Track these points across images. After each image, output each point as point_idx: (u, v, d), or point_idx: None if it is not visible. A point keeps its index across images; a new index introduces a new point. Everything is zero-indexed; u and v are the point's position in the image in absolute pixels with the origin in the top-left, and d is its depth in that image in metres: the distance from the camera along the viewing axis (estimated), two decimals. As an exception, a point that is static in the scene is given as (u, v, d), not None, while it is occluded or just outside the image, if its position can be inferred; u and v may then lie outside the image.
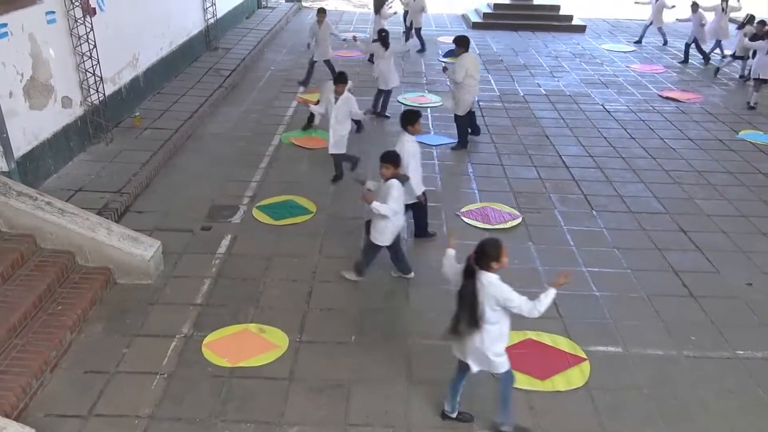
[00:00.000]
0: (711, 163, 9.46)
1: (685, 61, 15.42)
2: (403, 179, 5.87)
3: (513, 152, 9.65)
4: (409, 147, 6.36)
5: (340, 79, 8.08)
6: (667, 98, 12.60)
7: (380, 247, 6.02)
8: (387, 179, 5.77)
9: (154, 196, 7.83)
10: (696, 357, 5.37)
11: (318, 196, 7.93)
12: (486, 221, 7.47)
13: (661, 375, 5.13)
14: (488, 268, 4.07)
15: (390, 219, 5.83)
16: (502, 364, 4.32)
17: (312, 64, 12.37)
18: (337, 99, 7.98)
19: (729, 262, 6.82)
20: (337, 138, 8.09)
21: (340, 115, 8.00)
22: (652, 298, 6.13)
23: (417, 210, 6.87)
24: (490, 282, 4.07)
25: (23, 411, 4.51)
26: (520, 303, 4.12)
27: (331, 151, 8.20)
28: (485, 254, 4.05)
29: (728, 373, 5.19)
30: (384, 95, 10.95)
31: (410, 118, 6.51)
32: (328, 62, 12.25)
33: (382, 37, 10.74)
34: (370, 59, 13.37)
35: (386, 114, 10.98)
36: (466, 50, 9.28)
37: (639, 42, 17.36)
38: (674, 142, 10.25)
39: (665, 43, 17.28)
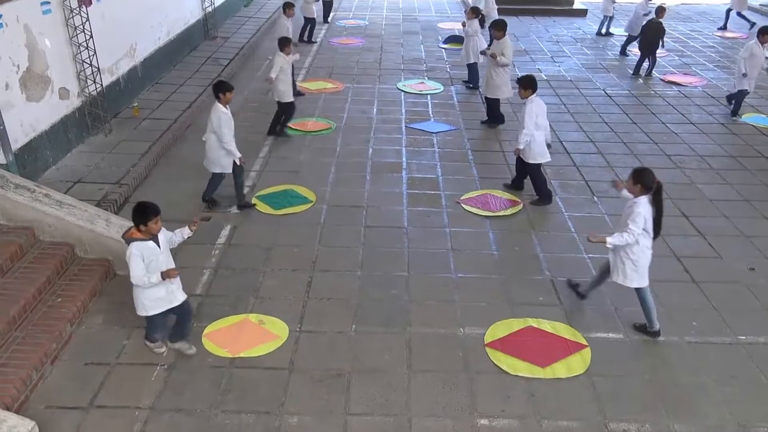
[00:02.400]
0: (713, 147, 9.40)
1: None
2: (143, 238, 4.59)
3: (513, 139, 9.50)
4: (538, 102, 7.32)
5: (227, 87, 6.98)
6: (669, 82, 12.50)
7: (150, 317, 4.87)
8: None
9: (153, 187, 7.80)
10: (698, 343, 5.34)
11: (318, 186, 7.89)
12: (487, 208, 7.44)
13: (663, 361, 5.12)
14: None
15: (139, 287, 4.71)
16: None
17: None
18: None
19: (731, 246, 6.79)
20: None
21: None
22: (653, 284, 6.02)
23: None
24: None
25: (24, 403, 4.52)
26: None
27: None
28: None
29: (730, 359, 5.17)
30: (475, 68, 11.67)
31: (533, 84, 7.27)
32: None
33: (481, 15, 11.48)
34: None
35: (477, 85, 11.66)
36: (505, 33, 9.62)
37: (599, 34, 16.59)
38: (676, 127, 10.18)
39: (607, 32, 16.52)
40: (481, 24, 11.54)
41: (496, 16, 13.38)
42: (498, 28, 9.61)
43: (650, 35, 12.71)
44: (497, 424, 4.50)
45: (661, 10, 12.97)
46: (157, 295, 4.74)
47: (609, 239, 5.04)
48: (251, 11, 17.44)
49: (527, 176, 7.70)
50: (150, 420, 4.46)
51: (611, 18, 16.38)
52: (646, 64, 12.93)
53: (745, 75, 10.15)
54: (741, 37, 16.29)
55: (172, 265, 4.77)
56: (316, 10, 15.06)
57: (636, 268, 5.19)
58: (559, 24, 17.70)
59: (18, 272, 5.50)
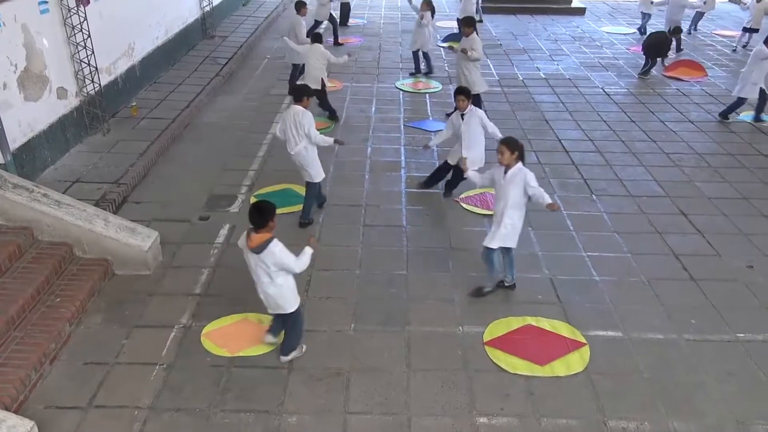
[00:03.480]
0: (711, 145, 9.41)
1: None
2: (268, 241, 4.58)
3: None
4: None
5: (311, 92, 7.08)
6: (671, 77, 12.53)
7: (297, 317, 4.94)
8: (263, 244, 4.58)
9: (152, 187, 7.80)
10: (696, 340, 5.35)
11: (316, 184, 7.88)
12: (485, 207, 7.43)
13: (662, 359, 5.12)
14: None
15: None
16: None
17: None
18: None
19: (730, 244, 6.79)
20: None
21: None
22: (652, 282, 6.11)
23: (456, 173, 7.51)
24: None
25: (23, 403, 4.52)
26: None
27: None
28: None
29: (729, 356, 5.18)
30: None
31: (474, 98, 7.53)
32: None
33: (433, 7, 12.27)
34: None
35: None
36: (475, 30, 9.68)
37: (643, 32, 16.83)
38: (674, 125, 10.19)
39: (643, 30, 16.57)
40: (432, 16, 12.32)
41: (472, 12, 14.50)
42: (467, 25, 9.63)
43: (652, 42, 12.62)
44: (496, 422, 4.51)
45: (676, 30, 12.91)
46: (295, 284, 4.83)
47: (549, 200, 5.40)
48: (249, 10, 17.43)
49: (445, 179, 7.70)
50: (149, 419, 4.46)
51: (649, 16, 16.34)
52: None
53: (755, 83, 10.09)
54: (736, 35, 16.27)
55: None
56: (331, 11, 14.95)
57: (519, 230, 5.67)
58: (558, 22, 17.69)
59: (16, 272, 5.49)
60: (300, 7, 11.33)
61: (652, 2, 16.38)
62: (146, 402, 4.60)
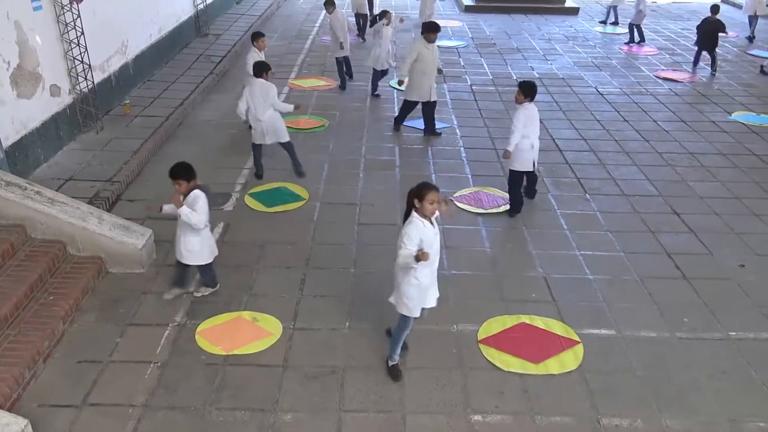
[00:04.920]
0: (704, 145, 9.46)
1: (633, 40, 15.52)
2: (207, 189, 5.40)
3: (506, 136, 9.51)
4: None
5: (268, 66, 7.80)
6: (664, 78, 12.60)
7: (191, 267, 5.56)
8: (186, 194, 5.31)
9: (146, 185, 7.78)
10: (689, 339, 5.38)
11: (310, 183, 7.89)
12: (479, 206, 7.46)
13: (655, 357, 5.15)
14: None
15: (202, 234, 5.45)
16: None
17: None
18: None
19: (722, 243, 6.84)
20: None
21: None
22: (645, 281, 6.14)
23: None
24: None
25: (16, 401, 4.50)
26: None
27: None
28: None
29: (721, 355, 5.21)
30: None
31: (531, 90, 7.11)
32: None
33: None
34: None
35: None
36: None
37: (615, 23, 17.37)
38: (667, 125, 10.24)
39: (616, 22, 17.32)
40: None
41: (433, 10, 15.15)
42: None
43: (705, 31, 12.72)
44: (491, 420, 4.52)
45: (715, 9, 12.99)
46: None
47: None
48: (243, 8, 17.39)
49: None
50: (144, 418, 4.45)
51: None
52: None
53: None
54: (731, 36, 16.37)
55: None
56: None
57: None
58: (551, 22, 17.75)
59: (10, 270, 5.46)
60: (330, 5, 11.69)
61: None
62: (140, 400, 4.59)
